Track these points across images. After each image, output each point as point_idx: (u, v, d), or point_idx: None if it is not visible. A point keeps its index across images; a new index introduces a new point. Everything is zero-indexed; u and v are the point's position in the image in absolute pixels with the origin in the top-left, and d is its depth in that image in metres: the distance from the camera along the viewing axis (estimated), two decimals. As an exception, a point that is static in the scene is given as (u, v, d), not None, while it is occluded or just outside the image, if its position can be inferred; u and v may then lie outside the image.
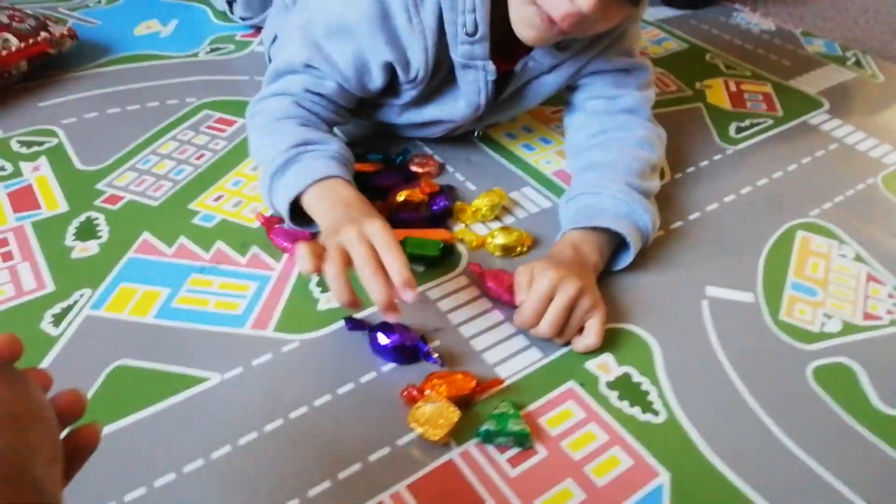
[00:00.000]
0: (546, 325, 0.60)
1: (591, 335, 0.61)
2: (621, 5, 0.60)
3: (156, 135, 0.86)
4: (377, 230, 0.56)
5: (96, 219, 0.73)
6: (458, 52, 0.68)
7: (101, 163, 0.80)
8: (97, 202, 0.75)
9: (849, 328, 0.66)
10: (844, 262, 0.74)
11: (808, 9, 1.38)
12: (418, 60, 0.68)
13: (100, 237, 0.70)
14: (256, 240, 0.71)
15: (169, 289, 0.65)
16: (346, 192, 0.65)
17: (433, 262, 0.69)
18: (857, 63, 1.16)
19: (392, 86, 0.74)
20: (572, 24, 0.60)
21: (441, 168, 0.83)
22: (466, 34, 0.66)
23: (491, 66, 0.69)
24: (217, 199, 0.76)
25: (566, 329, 0.60)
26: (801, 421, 0.58)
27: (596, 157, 0.75)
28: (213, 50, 1.05)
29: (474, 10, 0.65)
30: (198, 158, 0.82)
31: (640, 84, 0.78)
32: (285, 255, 0.69)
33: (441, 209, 0.75)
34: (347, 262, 0.55)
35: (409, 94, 0.73)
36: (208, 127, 0.87)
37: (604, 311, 0.62)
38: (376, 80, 0.71)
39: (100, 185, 0.77)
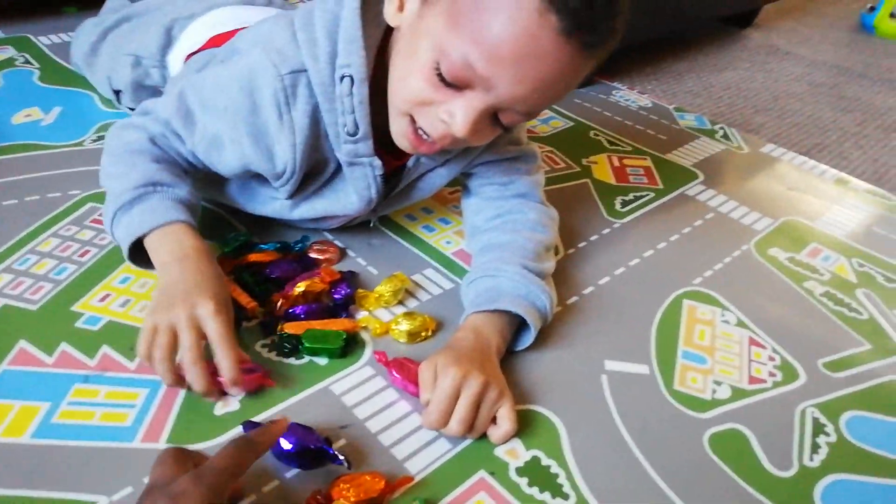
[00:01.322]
0: (455, 425, 0.60)
1: (505, 422, 0.61)
2: (493, 127, 0.63)
3: (35, 231, 0.81)
4: (209, 317, 0.60)
5: (-35, 328, 0.67)
6: (342, 151, 0.69)
7: (-29, 265, 0.75)
8: (-34, 309, 0.69)
9: (737, 393, 0.70)
10: (727, 328, 0.79)
11: (679, 86, 1.50)
12: (286, 156, 0.68)
13: (-31, 349, 0.65)
14: (147, 341, 0.67)
15: (49, 403, 0.60)
16: (187, 240, 0.65)
17: (336, 354, 0.68)
18: (725, 136, 1.26)
19: (262, 177, 0.74)
20: (449, 144, 0.64)
21: (342, 253, 0.83)
22: (348, 134, 0.67)
23: (377, 163, 0.70)
24: (103, 299, 0.72)
25: (477, 424, 0.60)
26: (701, 492, 0.60)
27: (493, 239, 0.77)
28: (99, 138, 1.01)
29: (353, 112, 0.65)
30: (82, 255, 0.78)
31: (530, 169, 0.82)
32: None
33: (343, 297, 0.74)
34: (175, 343, 0.59)
35: (284, 189, 0.73)
36: (93, 221, 0.83)
37: (511, 398, 0.63)
38: (227, 165, 0.71)
39: (-30, 291, 0.71)
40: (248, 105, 0.66)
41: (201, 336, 0.60)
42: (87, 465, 0.56)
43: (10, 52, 1.25)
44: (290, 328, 0.69)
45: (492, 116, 0.61)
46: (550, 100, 0.61)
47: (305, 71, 0.64)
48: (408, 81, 0.61)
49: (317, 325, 0.69)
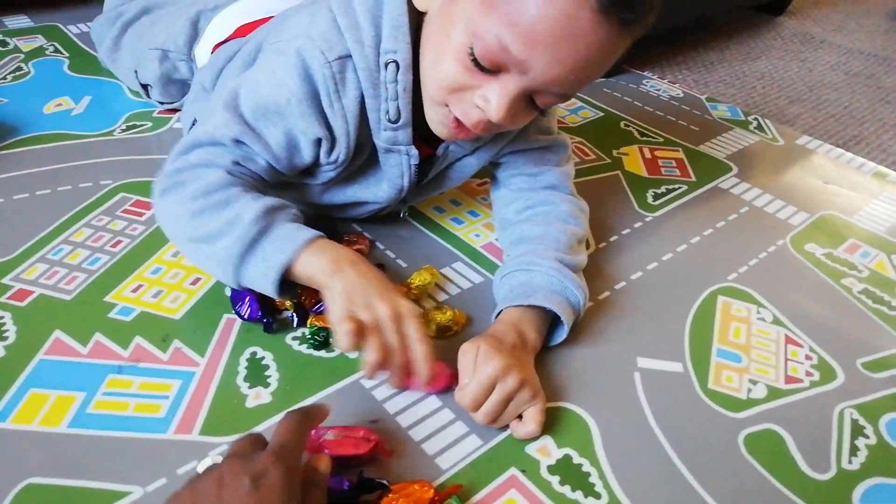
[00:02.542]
0: (482, 417, 0.60)
1: (530, 423, 0.60)
2: (529, 110, 0.62)
3: (68, 221, 0.81)
4: (412, 316, 0.58)
5: (1, 317, 0.68)
6: (381, 138, 0.69)
7: (7, 255, 0.75)
8: (3, 298, 0.70)
9: (774, 393, 0.69)
10: (763, 326, 0.77)
11: (710, 76, 1.47)
12: (341, 143, 0.68)
13: (6, 338, 0.65)
14: (178, 332, 0.68)
15: (84, 393, 0.61)
16: (342, 249, 0.62)
17: None
18: (759, 127, 1.24)
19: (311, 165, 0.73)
20: (484, 130, 0.62)
21: (371, 245, 0.83)
22: (389, 121, 0.66)
23: (414, 151, 0.69)
24: (135, 290, 0.72)
25: (501, 417, 0.60)
26: (737, 494, 0.59)
27: (525, 232, 0.76)
28: (129, 128, 1.02)
29: (396, 99, 0.65)
30: (114, 246, 0.78)
31: (560, 160, 0.81)
32: (210, 348, 0.67)
33: (372, 291, 0.74)
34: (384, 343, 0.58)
35: (327, 174, 0.72)
36: (125, 211, 0.84)
37: (544, 400, 0.62)
38: (305, 158, 0.69)
39: (6, 280, 0.72)
40: (310, 91, 0.64)
41: (404, 338, 0.58)
42: (121, 455, 0.56)
43: (39, 41, 1.26)
44: (319, 321, 0.69)
45: (527, 99, 0.60)
46: (587, 80, 0.59)
47: (351, 57, 0.63)
48: (440, 67, 0.60)
49: None
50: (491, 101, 0.58)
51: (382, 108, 0.66)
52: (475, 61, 0.56)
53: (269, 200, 0.63)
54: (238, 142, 0.65)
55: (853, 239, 0.95)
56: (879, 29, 1.90)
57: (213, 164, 0.65)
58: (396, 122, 0.66)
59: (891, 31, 1.90)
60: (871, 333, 0.78)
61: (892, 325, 0.80)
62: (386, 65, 0.63)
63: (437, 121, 0.65)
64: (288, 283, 0.62)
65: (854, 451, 0.64)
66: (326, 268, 0.60)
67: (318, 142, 0.67)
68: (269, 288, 0.61)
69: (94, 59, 1.19)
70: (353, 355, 0.66)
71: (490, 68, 0.57)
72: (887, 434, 0.66)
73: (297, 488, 0.45)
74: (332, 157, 0.69)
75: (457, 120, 0.62)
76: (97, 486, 0.54)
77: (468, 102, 0.60)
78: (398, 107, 0.65)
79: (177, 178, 0.65)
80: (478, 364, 0.60)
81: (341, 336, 0.56)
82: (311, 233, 0.62)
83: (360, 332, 0.56)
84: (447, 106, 0.62)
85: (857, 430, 0.66)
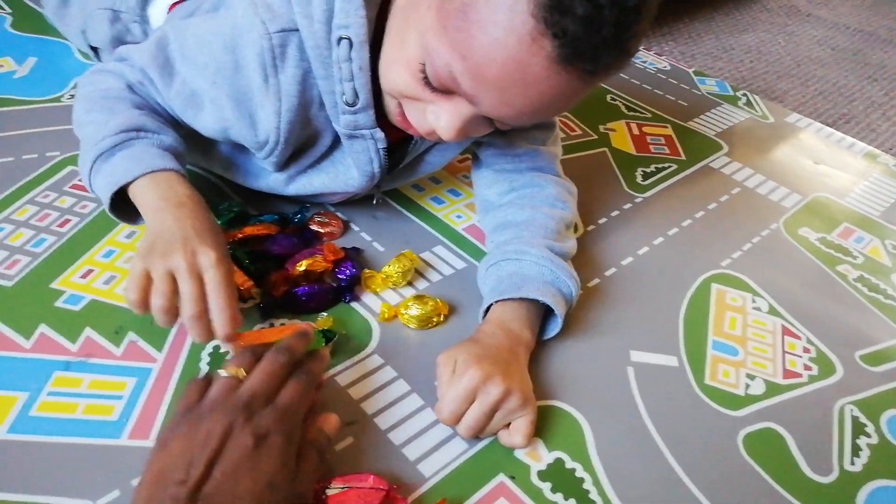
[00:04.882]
0: (464, 430, 0.55)
1: (517, 435, 0.56)
2: (486, 125, 0.57)
3: (9, 197, 0.74)
4: (211, 266, 0.53)
5: (-68, 307, 0.61)
6: (340, 123, 0.62)
7: (-61, 235, 0.68)
8: (-66, 285, 0.63)
9: (772, 389, 0.65)
10: (759, 316, 0.74)
11: (698, 48, 1.42)
12: (269, 124, 0.61)
13: (-64, 331, 0.59)
14: (133, 324, 0.62)
15: (26, 393, 0.55)
16: (179, 188, 0.58)
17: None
18: (748, 103, 1.20)
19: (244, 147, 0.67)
20: (437, 139, 0.58)
21: (345, 227, 0.77)
22: (346, 104, 0.60)
23: (379, 135, 0.63)
24: (85, 276, 0.66)
25: (488, 428, 0.56)
26: (737, 499, 0.55)
27: (510, 216, 0.71)
28: (79, 93, 0.93)
29: (352, 79, 0.58)
30: (61, 225, 0.71)
31: (547, 139, 0.76)
32: (168, 342, 0.61)
33: (348, 278, 0.68)
34: (175, 289, 0.53)
35: (269, 161, 0.66)
36: (73, 186, 0.76)
37: (535, 409, 0.57)
38: (205, 126, 0.65)
39: (-63, 264, 0.65)
40: (231, 64, 0.59)
41: (202, 288, 0.53)
42: (69, 464, 0.51)
43: (-20, -6, 1.15)
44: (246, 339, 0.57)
45: (483, 117, 0.55)
46: (543, 119, 0.56)
47: (297, 31, 0.57)
48: (395, 72, 0.55)
49: (270, 333, 0.58)
50: (441, 120, 0.54)
51: (337, 90, 0.59)
52: (427, 79, 0.52)
53: (145, 119, 0.62)
54: (143, 71, 0.64)
55: (847, 223, 0.91)
56: (864, 3, 1.87)
57: (122, 76, 0.65)
58: (354, 104, 0.60)
59: (875, 5, 1.87)
60: (869, 324, 0.75)
61: (888, 314, 0.77)
62: (338, 41, 0.56)
63: (388, 111, 0.61)
64: (132, 211, 0.60)
65: (856, 451, 0.61)
66: (152, 203, 0.57)
67: (225, 119, 0.62)
68: (105, 203, 0.60)
69: (40, 15, 1.09)
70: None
71: (441, 90, 0.53)
72: (888, 432, 0.63)
73: (293, 456, 0.44)
74: (260, 139, 0.63)
75: (403, 116, 0.58)
76: (41, 501, 0.48)
77: (420, 112, 0.56)
78: (354, 88, 0.59)
79: (90, 78, 0.67)
80: (455, 374, 0.56)
81: (126, 292, 0.53)
82: (165, 163, 0.59)
83: (146, 287, 0.53)
84: (396, 100, 0.58)
85: (859, 429, 0.63)
